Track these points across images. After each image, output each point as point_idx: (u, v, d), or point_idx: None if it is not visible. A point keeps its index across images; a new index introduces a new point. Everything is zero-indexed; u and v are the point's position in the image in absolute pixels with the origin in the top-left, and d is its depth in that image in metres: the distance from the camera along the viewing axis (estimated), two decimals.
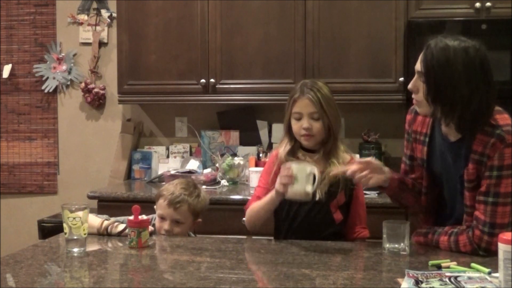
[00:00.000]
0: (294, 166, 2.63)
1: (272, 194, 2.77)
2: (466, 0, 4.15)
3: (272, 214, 2.92)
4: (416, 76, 2.53)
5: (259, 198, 2.94)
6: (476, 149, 2.46)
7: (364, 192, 3.17)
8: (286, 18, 4.35)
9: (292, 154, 2.93)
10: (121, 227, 2.81)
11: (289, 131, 2.95)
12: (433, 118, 2.59)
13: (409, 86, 2.57)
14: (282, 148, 2.96)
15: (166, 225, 2.90)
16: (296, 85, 2.99)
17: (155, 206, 2.99)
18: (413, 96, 2.57)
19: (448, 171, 2.61)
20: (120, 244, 2.71)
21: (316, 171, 2.64)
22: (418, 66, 2.51)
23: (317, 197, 2.74)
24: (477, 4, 4.12)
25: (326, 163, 2.90)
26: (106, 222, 2.83)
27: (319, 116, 2.86)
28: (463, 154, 2.51)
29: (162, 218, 2.92)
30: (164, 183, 4.03)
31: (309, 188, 2.61)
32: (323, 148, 2.91)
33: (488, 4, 4.10)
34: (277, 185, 2.69)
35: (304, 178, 2.61)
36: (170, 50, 4.50)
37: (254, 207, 2.91)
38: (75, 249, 2.53)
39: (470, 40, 2.48)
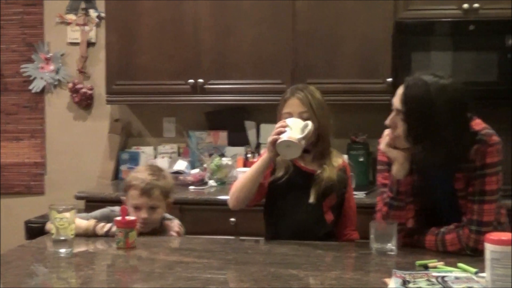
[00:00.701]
0: (289, 119, 2.79)
1: (263, 156, 2.84)
2: (454, 1, 4.16)
3: (258, 186, 2.89)
4: (394, 112, 2.54)
5: None
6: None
7: (354, 193, 3.18)
8: (277, 19, 4.35)
9: None
10: (107, 227, 2.82)
11: None
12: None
13: (387, 122, 2.58)
14: None
15: (143, 214, 2.88)
16: (288, 89, 3.01)
17: (123, 198, 2.98)
18: (390, 131, 2.59)
19: (437, 190, 2.64)
20: (108, 245, 2.70)
21: (310, 123, 2.76)
22: (397, 104, 2.52)
23: (303, 146, 2.76)
24: (465, 5, 4.12)
25: (319, 167, 2.92)
26: (92, 223, 2.83)
27: (309, 116, 2.88)
28: (451, 169, 2.54)
29: (137, 208, 2.90)
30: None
31: (299, 135, 2.71)
32: (314, 150, 2.93)
33: (476, 5, 4.11)
34: (270, 137, 2.76)
35: (297, 128, 2.74)
36: (160, 51, 4.49)
37: (242, 176, 2.93)
38: (62, 250, 2.52)
39: (446, 76, 2.47)
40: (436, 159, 2.46)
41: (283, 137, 2.71)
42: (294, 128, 2.74)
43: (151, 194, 2.90)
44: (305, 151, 2.93)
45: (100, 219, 2.92)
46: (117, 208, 2.95)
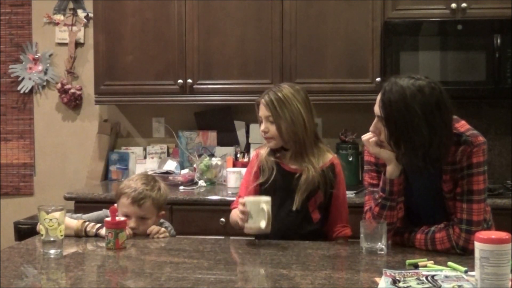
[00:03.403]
0: (248, 201, 2.69)
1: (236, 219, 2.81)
2: (442, 1, 4.18)
3: None
4: (376, 119, 2.55)
5: (240, 197, 2.99)
6: (447, 160, 2.52)
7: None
8: (263, 19, 4.35)
9: (273, 153, 2.99)
10: (97, 226, 2.82)
11: None
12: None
13: (371, 128, 2.59)
14: (264, 149, 3.05)
15: (131, 223, 2.85)
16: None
17: (115, 205, 2.92)
18: (372, 134, 2.62)
19: (423, 193, 2.65)
20: (98, 246, 2.70)
21: (266, 206, 2.66)
22: (377, 111, 2.53)
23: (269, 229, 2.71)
24: (453, 5, 4.14)
25: (302, 164, 2.94)
26: (80, 223, 2.83)
27: (273, 119, 2.94)
28: (437, 171, 2.55)
29: (126, 216, 2.86)
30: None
31: (263, 224, 2.64)
32: (293, 148, 2.95)
33: (464, 4, 4.13)
34: (237, 216, 2.74)
35: (257, 214, 2.66)
36: (147, 51, 4.48)
37: (234, 216, 2.94)
38: (52, 251, 2.51)
39: (424, 78, 2.48)
40: (416, 162, 2.47)
41: (247, 229, 2.69)
42: (254, 215, 2.68)
43: (142, 204, 2.86)
44: (285, 149, 3.00)
45: (95, 221, 2.90)
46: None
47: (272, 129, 2.95)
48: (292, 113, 2.93)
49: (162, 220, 3.05)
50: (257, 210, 2.66)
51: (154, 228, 2.89)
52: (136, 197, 2.86)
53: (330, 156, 3.04)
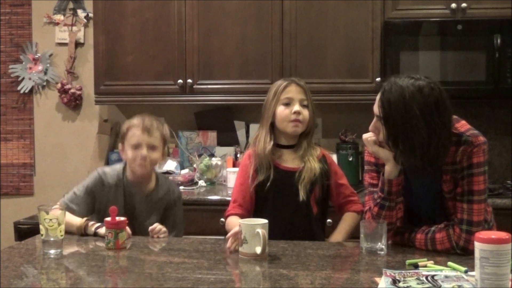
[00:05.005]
0: (242, 225, 2.52)
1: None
2: (442, 1, 4.18)
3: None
4: (375, 118, 2.56)
5: (235, 202, 3.00)
6: (448, 161, 2.51)
7: None
8: (263, 19, 4.35)
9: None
10: (96, 225, 2.84)
11: (270, 127, 3.01)
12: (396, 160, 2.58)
13: (370, 127, 2.60)
14: (261, 144, 3.00)
15: (144, 151, 2.98)
16: (278, 81, 3.09)
17: (120, 146, 3.11)
18: (371, 134, 2.63)
19: (423, 193, 2.65)
20: (98, 246, 2.70)
21: (262, 231, 2.48)
22: (376, 110, 2.53)
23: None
24: (453, 5, 4.14)
25: (300, 161, 2.95)
26: (83, 221, 2.86)
27: (307, 104, 2.98)
28: (437, 171, 2.55)
29: (137, 147, 3.00)
30: None
31: (258, 250, 2.48)
32: (305, 140, 2.98)
33: (464, 4, 4.13)
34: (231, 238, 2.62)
35: (252, 238, 2.50)
36: (147, 51, 4.48)
37: (230, 227, 2.85)
38: (52, 251, 2.52)
39: (424, 78, 2.47)
40: (414, 162, 2.47)
41: (243, 253, 2.51)
42: (249, 240, 2.50)
43: (152, 132, 3.01)
44: (291, 146, 3.02)
45: (93, 187, 3.06)
46: (108, 169, 3.13)
47: (306, 113, 2.97)
48: (314, 106, 3.03)
49: (169, 171, 3.16)
50: (252, 235, 2.50)
51: (156, 226, 2.90)
52: (147, 126, 3.02)
53: (319, 150, 3.08)
